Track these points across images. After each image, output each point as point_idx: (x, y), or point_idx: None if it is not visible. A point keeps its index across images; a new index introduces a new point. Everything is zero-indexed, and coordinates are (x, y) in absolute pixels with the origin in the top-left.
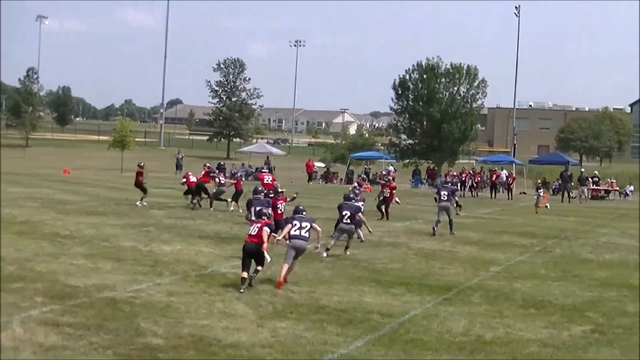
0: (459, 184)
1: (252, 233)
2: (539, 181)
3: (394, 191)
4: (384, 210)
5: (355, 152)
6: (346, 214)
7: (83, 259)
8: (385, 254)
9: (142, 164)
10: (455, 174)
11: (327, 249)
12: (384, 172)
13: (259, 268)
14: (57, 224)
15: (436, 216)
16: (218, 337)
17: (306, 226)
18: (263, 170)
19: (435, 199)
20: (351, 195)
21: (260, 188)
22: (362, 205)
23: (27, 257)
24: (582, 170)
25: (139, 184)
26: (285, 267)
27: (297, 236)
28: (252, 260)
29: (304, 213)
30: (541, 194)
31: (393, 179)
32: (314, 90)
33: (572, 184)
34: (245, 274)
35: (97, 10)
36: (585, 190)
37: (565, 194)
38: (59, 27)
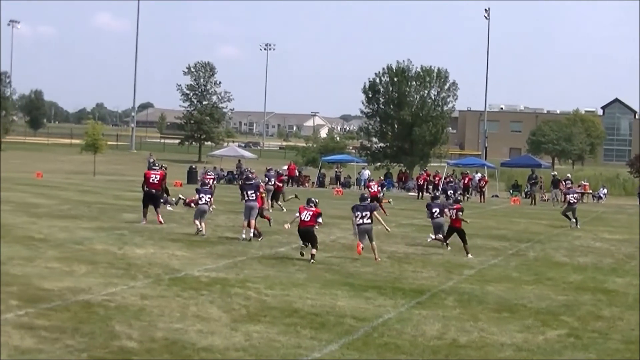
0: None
1: (306, 219)
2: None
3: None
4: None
5: (327, 156)
6: (365, 214)
7: (57, 262)
8: (358, 258)
9: (165, 166)
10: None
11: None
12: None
13: (314, 251)
14: (30, 227)
15: (432, 233)
16: (192, 340)
17: (367, 215)
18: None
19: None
20: (366, 195)
21: (251, 175)
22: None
23: (2, 261)
24: (554, 173)
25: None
26: (360, 244)
27: (362, 223)
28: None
29: (312, 205)
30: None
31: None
32: (284, 93)
33: (541, 186)
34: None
35: (68, 15)
36: (558, 192)
37: (532, 196)
38: (31, 32)
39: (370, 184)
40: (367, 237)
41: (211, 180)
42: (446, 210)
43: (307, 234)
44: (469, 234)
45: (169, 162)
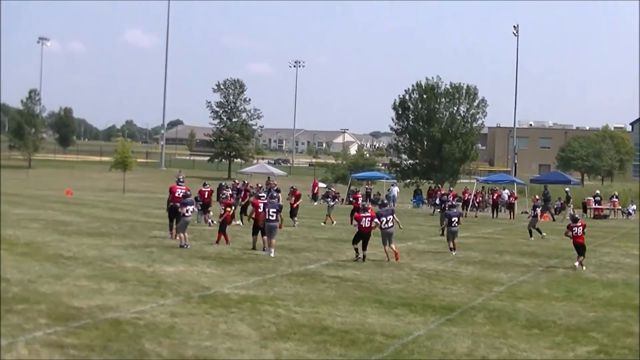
0: (461, 204)
1: (366, 225)
2: (536, 197)
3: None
4: None
5: (356, 172)
6: (389, 218)
7: (86, 280)
8: (388, 275)
9: (206, 183)
10: (456, 193)
11: (360, 257)
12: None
13: (366, 253)
14: (60, 245)
15: (446, 241)
16: (221, 358)
17: (390, 219)
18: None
19: (443, 222)
20: (385, 202)
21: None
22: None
23: (31, 279)
24: (567, 189)
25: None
26: (386, 247)
27: (387, 227)
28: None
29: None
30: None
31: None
32: (314, 110)
33: (553, 202)
34: (356, 245)
35: (98, 31)
36: (572, 209)
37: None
38: (61, 49)
39: (357, 195)
40: (388, 240)
41: (227, 194)
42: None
43: (367, 238)
44: (500, 250)
45: (199, 179)
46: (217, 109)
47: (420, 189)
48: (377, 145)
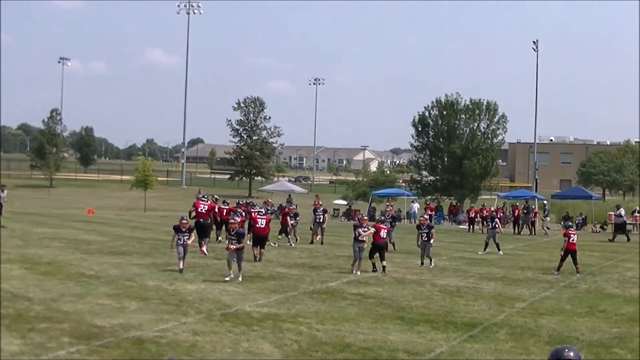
0: (480, 220)
1: (384, 236)
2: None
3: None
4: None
5: (377, 189)
6: (425, 232)
7: (108, 299)
8: (410, 291)
9: (217, 197)
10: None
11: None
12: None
13: (384, 263)
14: (82, 264)
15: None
16: None
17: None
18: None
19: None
20: (382, 218)
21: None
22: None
23: (54, 298)
24: (545, 202)
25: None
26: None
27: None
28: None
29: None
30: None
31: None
32: (334, 127)
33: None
34: (373, 260)
35: (118, 51)
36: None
37: (526, 226)
38: (82, 68)
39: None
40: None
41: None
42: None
43: (382, 249)
44: (522, 266)
45: (220, 198)
46: (238, 127)
47: (441, 205)
48: (397, 162)
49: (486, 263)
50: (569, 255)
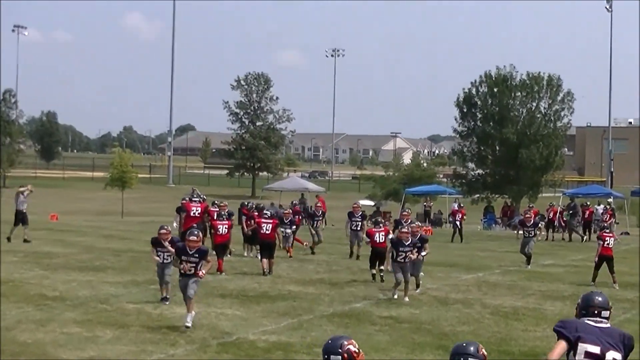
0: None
1: (380, 240)
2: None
3: None
4: None
5: (412, 187)
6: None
7: (77, 326)
8: (454, 314)
9: (203, 197)
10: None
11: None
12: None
13: (382, 267)
14: (43, 282)
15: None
16: None
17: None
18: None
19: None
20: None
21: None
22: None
23: (8, 325)
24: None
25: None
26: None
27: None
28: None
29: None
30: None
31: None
32: (357, 110)
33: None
34: (374, 271)
35: (88, 18)
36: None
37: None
38: (42, 38)
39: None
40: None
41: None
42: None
43: (383, 254)
44: (588, 282)
45: (216, 198)
46: (237, 111)
47: (492, 206)
48: (436, 151)
49: (550, 278)
50: (604, 263)
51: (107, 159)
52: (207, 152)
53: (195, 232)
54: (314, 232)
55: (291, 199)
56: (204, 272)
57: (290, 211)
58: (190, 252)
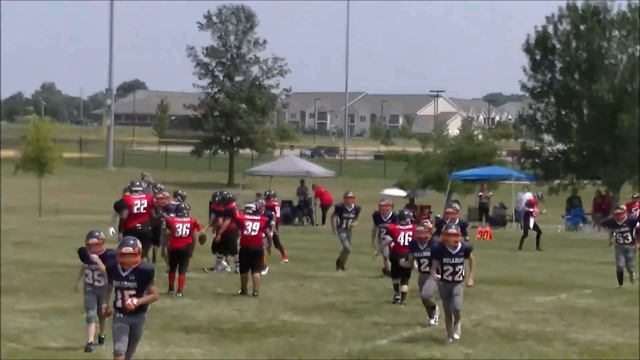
0: None
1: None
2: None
3: None
4: None
5: (461, 169)
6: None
7: None
8: (524, 350)
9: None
10: None
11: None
12: None
13: (405, 289)
14: None
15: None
16: None
17: None
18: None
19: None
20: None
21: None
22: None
23: None
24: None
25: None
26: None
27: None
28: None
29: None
30: None
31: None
32: (381, 60)
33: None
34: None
35: None
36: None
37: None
38: None
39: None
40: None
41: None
42: None
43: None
44: None
45: (177, 188)
46: (207, 60)
47: (579, 197)
48: (496, 118)
49: None
50: None
51: (17, 130)
52: (164, 120)
53: (131, 242)
54: (344, 237)
55: (286, 188)
56: (135, 302)
57: (264, 205)
58: (124, 274)
